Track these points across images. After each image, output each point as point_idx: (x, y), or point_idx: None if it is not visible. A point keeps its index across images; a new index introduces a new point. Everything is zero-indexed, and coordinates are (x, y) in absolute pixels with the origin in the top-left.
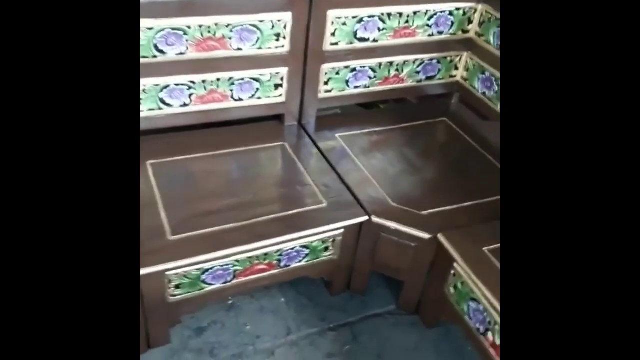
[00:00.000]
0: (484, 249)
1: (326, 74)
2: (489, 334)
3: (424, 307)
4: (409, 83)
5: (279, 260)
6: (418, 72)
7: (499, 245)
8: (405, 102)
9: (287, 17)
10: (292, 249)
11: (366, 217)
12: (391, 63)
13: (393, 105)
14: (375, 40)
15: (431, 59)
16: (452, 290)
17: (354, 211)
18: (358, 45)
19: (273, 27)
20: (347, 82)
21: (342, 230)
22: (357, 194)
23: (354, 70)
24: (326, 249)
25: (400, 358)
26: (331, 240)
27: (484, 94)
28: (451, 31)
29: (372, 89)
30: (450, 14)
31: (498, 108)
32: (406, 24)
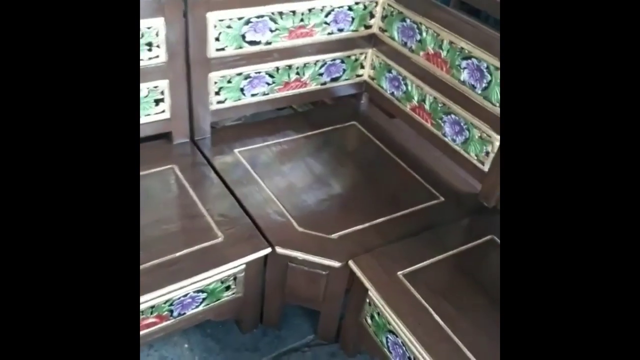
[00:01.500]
0: (399, 273)
1: (216, 83)
2: None
3: (343, 335)
4: (313, 86)
5: (171, 311)
6: (321, 74)
7: (414, 267)
8: (317, 104)
9: (158, 23)
10: (185, 295)
11: (269, 249)
12: (290, 66)
13: (304, 107)
14: (268, 43)
15: (334, 59)
16: (369, 320)
17: (255, 243)
18: (249, 49)
19: (143, 35)
20: (242, 90)
21: (243, 267)
22: (258, 221)
23: (248, 77)
24: (227, 288)
25: None
26: (232, 278)
27: (392, 94)
28: (352, 28)
29: (272, 95)
30: (350, 9)
31: (407, 108)
32: (301, 23)
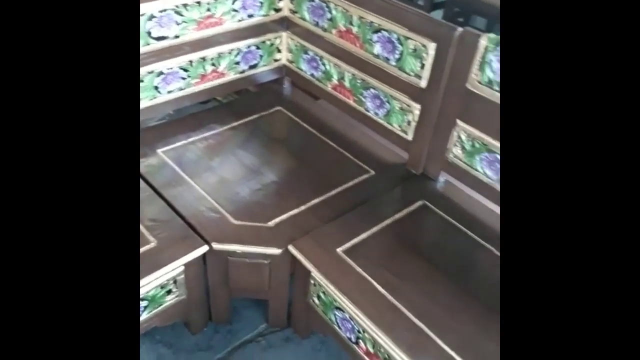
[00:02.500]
0: (338, 250)
1: None
2: (361, 343)
3: (294, 319)
4: (232, 76)
5: None
6: (238, 63)
7: (352, 242)
8: (240, 93)
9: None
10: None
11: (206, 247)
12: (204, 58)
13: (228, 98)
14: (176, 36)
15: (249, 46)
16: (316, 300)
17: (190, 243)
18: (157, 45)
19: None
20: (156, 88)
21: (181, 268)
22: (191, 221)
23: (161, 73)
24: (169, 292)
25: None
26: (172, 281)
27: (312, 75)
28: (262, 12)
29: (190, 90)
30: None
31: (329, 88)
32: (209, 13)
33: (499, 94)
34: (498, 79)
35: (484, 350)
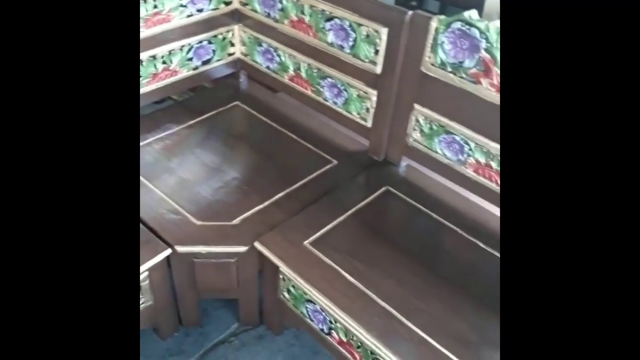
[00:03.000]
0: (305, 243)
1: None
2: (334, 333)
3: (266, 316)
4: (185, 73)
5: None
6: (191, 59)
7: (318, 233)
8: (196, 90)
9: None
10: None
11: (169, 250)
12: (154, 56)
13: (183, 96)
14: None
15: (200, 41)
16: (286, 295)
17: (152, 248)
18: None
19: None
20: None
21: (145, 274)
22: (152, 225)
23: None
24: None
25: None
26: None
27: (268, 67)
28: (212, 6)
29: (142, 90)
30: None
31: (286, 79)
32: (156, 10)
33: (452, 75)
34: (450, 60)
35: (453, 328)
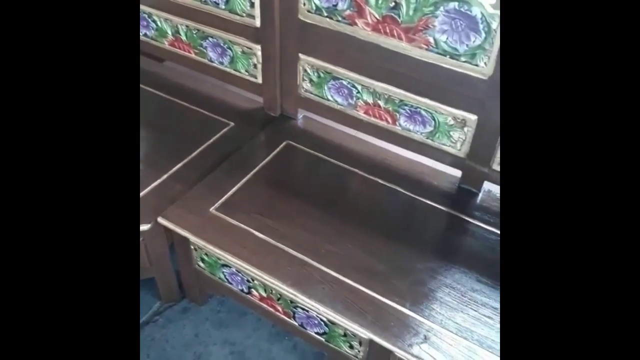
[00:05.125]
0: (211, 210)
1: None
2: (254, 291)
3: (186, 288)
4: None
5: None
6: None
7: (223, 198)
8: None
9: None
10: None
11: None
12: None
13: None
14: None
15: None
16: (201, 264)
17: None
18: None
19: None
20: None
21: None
22: None
23: None
24: None
25: (185, 355)
26: None
27: (145, 35)
28: None
29: None
30: None
31: (167, 45)
32: None
33: (329, 20)
34: (324, 4)
35: (363, 263)
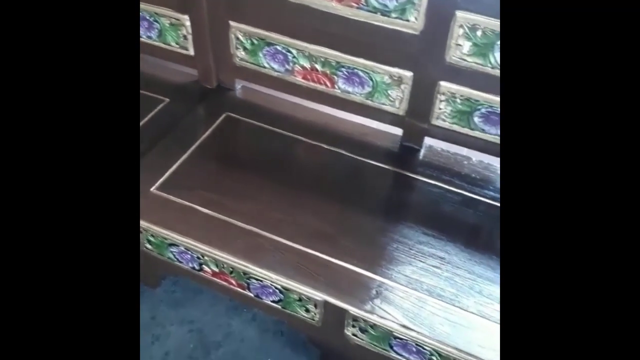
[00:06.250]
0: (152, 190)
1: None
2: (205, 267)
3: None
4: None
5: None
6: None
7: (164, 177)
8: None
9: None
10: None
11: None
12: None
13: None
14: None
15: None
16: (149, 246)
17: None
18: None
19: None
20: None
21: None
22: None
23: None
24: None
25: (144, 338)
26: None
27: None
28: None
29: None
30: None
31: None
32: None
33: None
34: None
35: (312, 228)
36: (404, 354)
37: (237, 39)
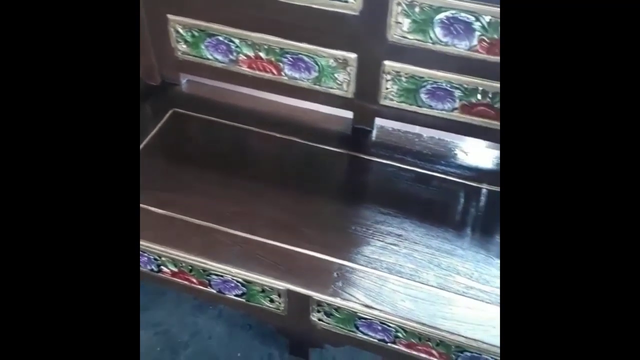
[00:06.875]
0: None
1: None
2: (163, 268)
3: None
4: None
5: None
6: None
7: None
8: None
9: None
10: None
11: None
12: None
13: None
14: None
15: None
16: None
17: None
18: None
19: None
20: None
21: None
22: None
23: None
24: None
25: None
26: None
27: None
28: None
29: None
30: None
31: None
32: None
33: None
34: None
35: (272, 219)
36: (370, 333)
37: (177, 32)
